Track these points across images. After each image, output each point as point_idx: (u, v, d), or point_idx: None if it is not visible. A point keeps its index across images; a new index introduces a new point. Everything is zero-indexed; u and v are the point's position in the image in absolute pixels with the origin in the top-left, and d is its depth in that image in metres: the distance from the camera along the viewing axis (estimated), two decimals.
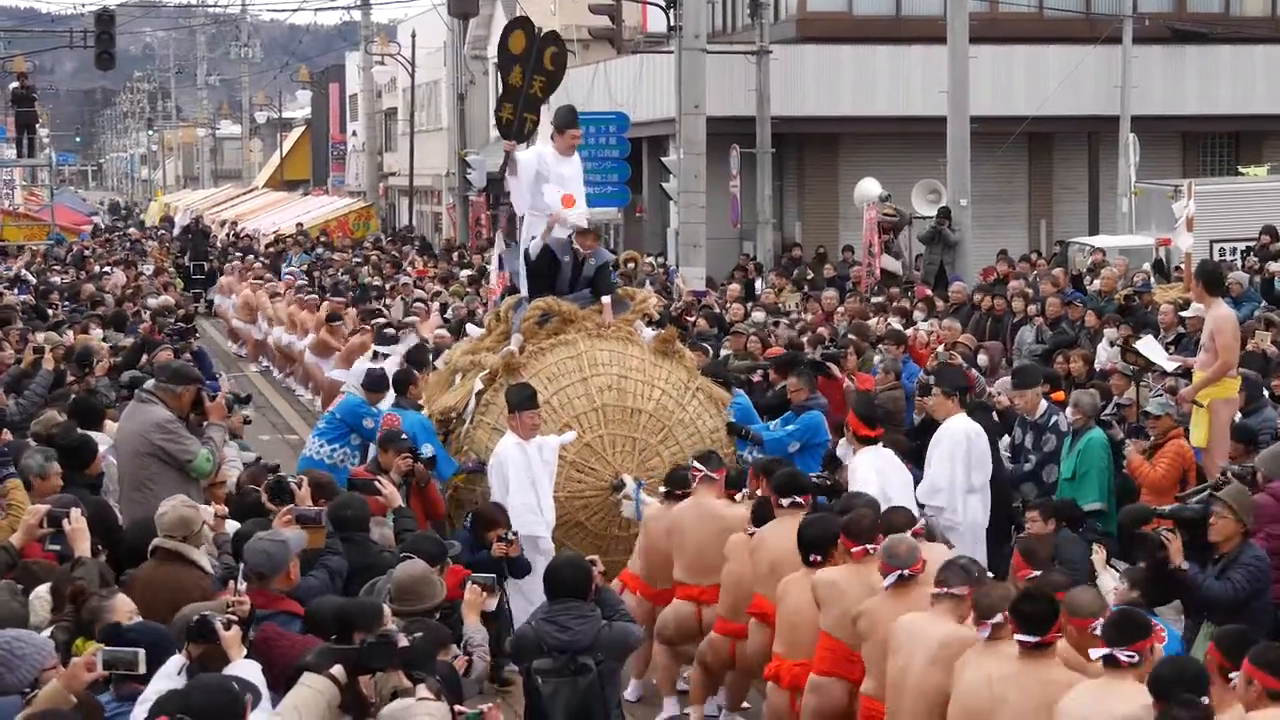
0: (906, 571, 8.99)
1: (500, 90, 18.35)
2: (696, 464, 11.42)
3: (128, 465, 10.98)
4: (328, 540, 9.30)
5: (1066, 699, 7.41)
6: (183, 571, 8.70)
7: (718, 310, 22.08)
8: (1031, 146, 36.13)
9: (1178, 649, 8.68)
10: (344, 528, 9.66)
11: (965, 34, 27.97)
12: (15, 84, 50.83)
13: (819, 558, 9.68)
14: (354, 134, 65.68)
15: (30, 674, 6.94)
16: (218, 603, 7.65)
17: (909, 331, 18.69)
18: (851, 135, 36.00)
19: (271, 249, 44.28)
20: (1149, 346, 16.25)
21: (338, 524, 9.61)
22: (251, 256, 40.66)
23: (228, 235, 52.91)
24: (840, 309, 21.56)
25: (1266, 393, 14.42)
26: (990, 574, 9.13)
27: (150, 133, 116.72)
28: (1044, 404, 13.86)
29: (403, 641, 7.02)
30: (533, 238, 13.74)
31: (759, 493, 11.10)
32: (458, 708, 6.94)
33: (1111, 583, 9.61)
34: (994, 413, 14.09)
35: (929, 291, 24.18)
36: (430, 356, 15.86)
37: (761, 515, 10.69)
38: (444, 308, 24.59)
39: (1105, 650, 7.36)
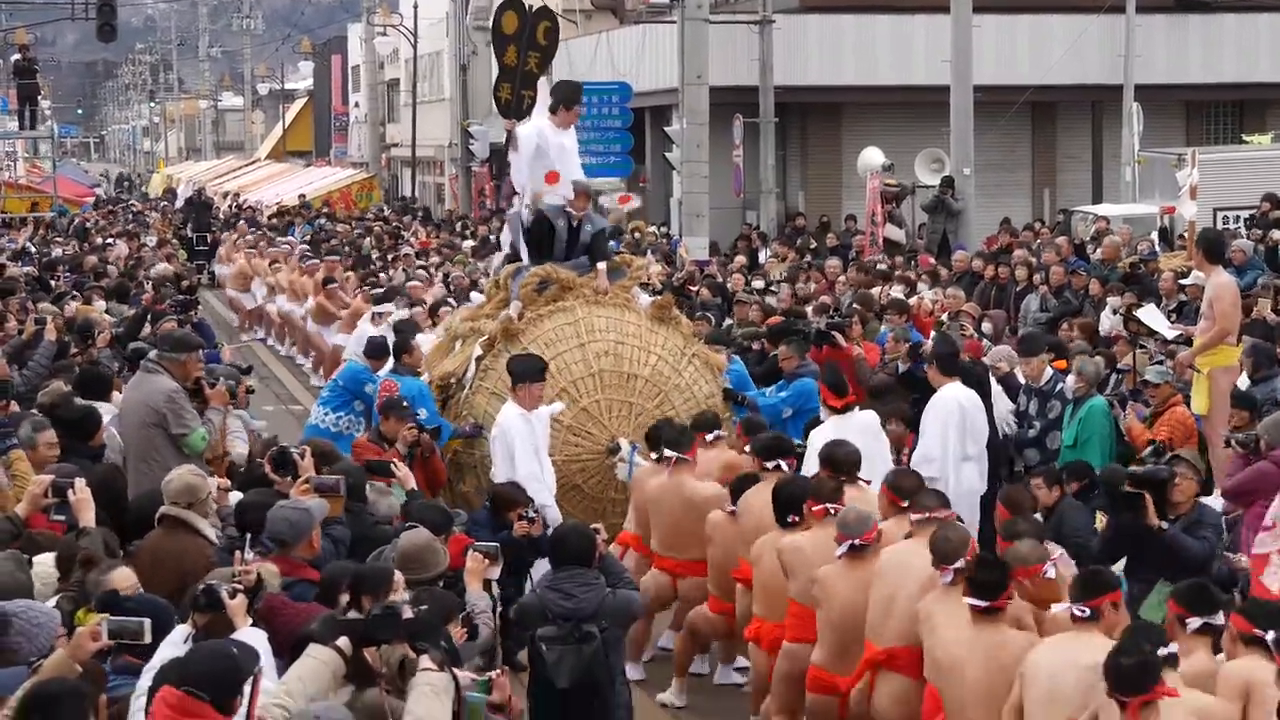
0: (858, 541, 9.05)
1: (496, 71, 18.33)
2: (667, 450, 11.35)
3: (134, 436, 11.02)
4: None
5: (1035, 652, 7.69)
6: (188, 540, 8.74)
7: (721, 280, 22.07)
8: (1035, 115, 36.01)
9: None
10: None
11: (968, 2, 27.88)
12: (17, 56, 50.86)
13: (796, 518, 9.74)
14: (356, 105, 65.62)
15: (47, 643, 6.96)
16: (224, 572, 7.67)
17: (912, 300, 18.69)
18: (854, 104, 35.91)
19: (276, 220, 44.22)
20: (1150, 315, 16.26)
21: None
22: (249, 225, 40.57)
23: (230, 207, 52.89)
24: (842, 278, 21.54)
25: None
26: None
27: (152, 105, 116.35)
28: (1049, 371, 13.93)
29: (407, 613, 7.04)
30: (526, 206, 13.85)
31: (745, 450, 11.26)
32: (470, 676, 6.95)
33: None
34: (981, 381, 13.99)
35: (932, 261, 24.16)
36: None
37: (740, 493, 10.71)
38: (446, 278, 24.58)
39: (1066, 605, 7.67)
